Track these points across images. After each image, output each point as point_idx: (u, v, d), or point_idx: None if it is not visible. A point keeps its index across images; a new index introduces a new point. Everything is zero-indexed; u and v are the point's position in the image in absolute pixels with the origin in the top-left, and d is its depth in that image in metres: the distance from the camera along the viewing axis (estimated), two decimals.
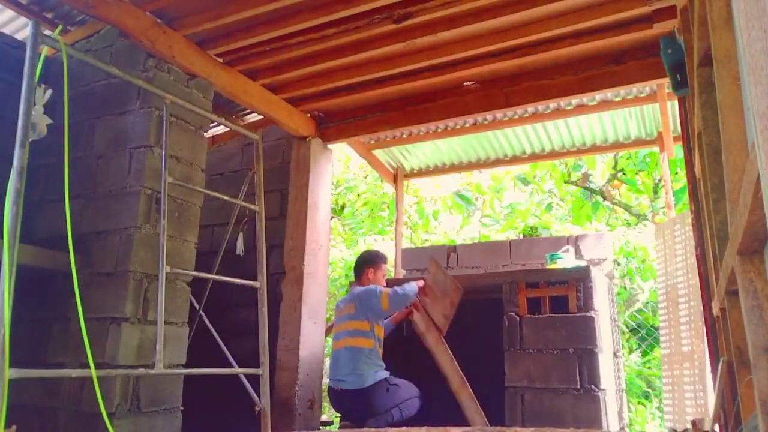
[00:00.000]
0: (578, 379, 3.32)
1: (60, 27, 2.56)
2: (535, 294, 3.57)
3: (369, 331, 3.54)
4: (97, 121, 3.08)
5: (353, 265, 3.98)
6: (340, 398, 3.51)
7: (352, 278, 3.97)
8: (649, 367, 7.13)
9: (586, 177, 8.43)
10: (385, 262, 3.93)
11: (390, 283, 3.92)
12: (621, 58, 3.39)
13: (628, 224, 8.56)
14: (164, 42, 3.05)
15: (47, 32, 2.48)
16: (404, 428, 3.13)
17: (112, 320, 2.69)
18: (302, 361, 3.75)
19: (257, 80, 3.68)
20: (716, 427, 2.00)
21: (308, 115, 4.17)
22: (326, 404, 7.69)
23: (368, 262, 3.83)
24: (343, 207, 9.60)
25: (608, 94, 4.03)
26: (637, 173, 7.93)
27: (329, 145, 4.30)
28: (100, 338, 2.65)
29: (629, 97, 4.14)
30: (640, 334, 7.20)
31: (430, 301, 3.73)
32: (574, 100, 4.16)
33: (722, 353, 1.81)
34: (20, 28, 3.43)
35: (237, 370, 2.94)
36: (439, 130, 4.79)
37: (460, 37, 3.24)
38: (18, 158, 1.93)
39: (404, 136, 4.94)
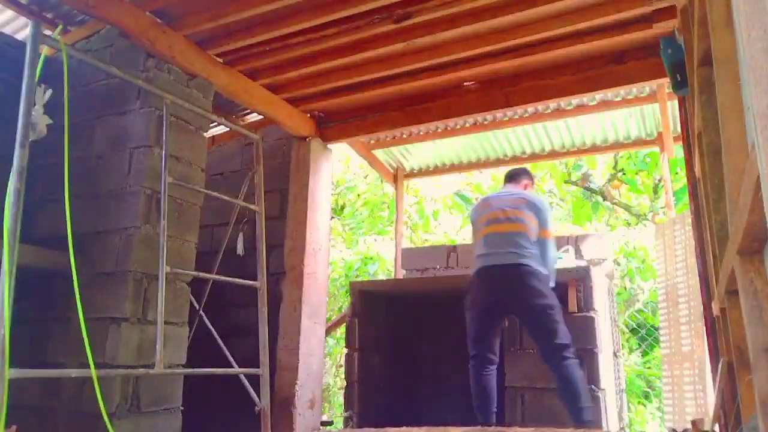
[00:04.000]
0: None
1: (60, 27, 2.55)
2: None
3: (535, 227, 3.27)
4: (97, 121, 3.08)
5: (506, 174, 3.72)
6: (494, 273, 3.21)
7: (353, 278, 3.95)
8: (649, 367, 7.13)
9: (586, 177, 8.43)
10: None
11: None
12: (621, 58, 3.39)
13: (628, 224, 8.56)
14: (164, 42, 3.05)
15: (47, 32, 2.49)
16: (404, 428, 3.13)
17: (112, 320, 2.69)
18: (302, 361, 3.75)
19: (257, 80, 3.68)
20: (716, 427, 2.00)
21: (308, 115, 4.18)
22: (326, 404, 7.71)
23: (529, 176, 3.66)
24: (343, 207, 9.60)
25: (608, 94, 4.03)
26: (637, 173, 7.93)
27: (329, 145, 4.30)
28: (100, 338, 2.65)
29: (629, 97, 4.14)
30: (640, 334, 7.20)
31: None
32: (574, 100, 4.16)
33: (722, 353, 1.81)
34: (20, 28, 3.43)
35: (237, 370, 2.94)
36: (439, 130, 4.79)
37: (460, 37, 3.24)
38: (18, 158, 1.92)
39: (404, 136, 4.93)
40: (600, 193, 8.48)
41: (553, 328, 3.02)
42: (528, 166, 4.89)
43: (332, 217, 8.62)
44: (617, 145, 4.98)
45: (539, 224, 3.27)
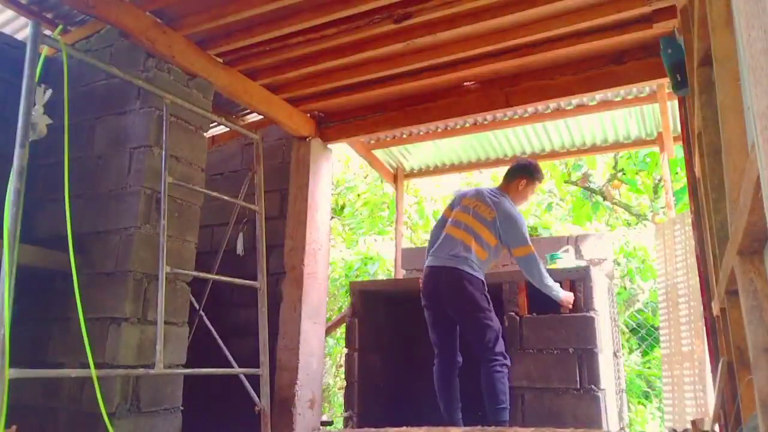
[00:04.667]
0: (578, 379, 3.32)
1: (60, 27, 2.56)
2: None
3: (492, 247, 3.32)
4: (97, 121, 3.08)
5: (507, 170, 3.62)
6: (436, 274, 3.31)
7: (353, 278, 3.95)
8: (649, 367, 7.13)
9: (586, 177, 8.43)
10: (541, 182, 3.67)
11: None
12: (621, 58, 3.39)
13: (628, 224, 8.56)
14: (164, 42, 3.05)
15: (47, 32, 2.49)
16: (404, 428, 3.13)
17: (112, 320, 2.69)
18: (302, 361, 3.75)
19: (257, 80, 3.68)
20: (716, 427, 2.00)
21: (308, 115, 4.18)
22: (326, 404, 7.70)
23: (526, 171, 3.52)
24: (343, 207, 9.60)
25: (608, 94, 4.03)
26: (637, 173, 7.93)
27: (329, 145, 4.30)
28: (100, 338, 2.65)
29: (629, 97, 4.14)
30: (640, 334, 7.20)
31: None
32: (574, 100, 4.16)
33: (722, 353, 1.81)
34: (20, 28, 3.43)
35: (237, 370, 2.94)
36: (439, 130, 4.79)
37: (460, 37, 3.24)
38: (18, 158, 1.93)
39: (404, 136, 4.93)
40: (600, 193, 8.48)
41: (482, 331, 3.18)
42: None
43: (332, 217, 8.62)
44: (617, 145, 4.98)
45: (503, 242, 3.31)
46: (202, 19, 3.05)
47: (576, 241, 4.40)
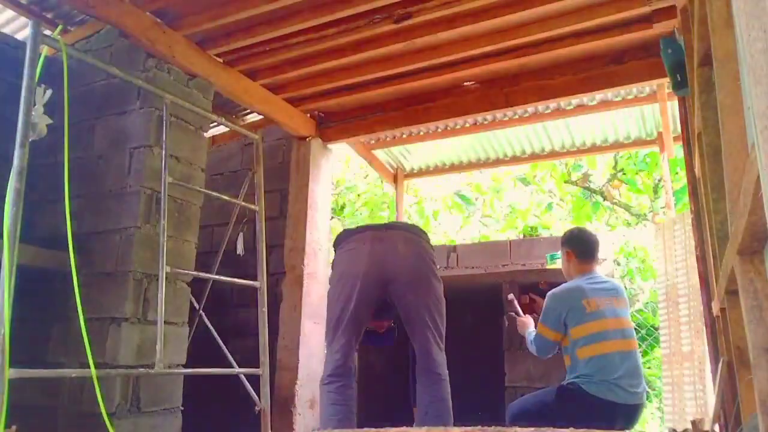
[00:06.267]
0: None
1: (60, 27, 2.56)
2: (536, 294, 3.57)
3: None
4: (97, 121, 3.08)
5: (589, 243, 3.01)
6: (625, 411, 2.65)
7: None
8: (649, 367, 7.13)
9: (586, 177, 8.43)
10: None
11: None
12: (621, 58, 3.39)
13: (628, 224, 8.56)
14: (164, 42, 3.05)
15: (47, 32, 2.49)
16: (404, 428, 3.13)
17: (112, 320, 2.69)
18: (302, 361, 3.75)
19: (257, 80, 3.68)
20: (716, 427, 2.00)
21: (308, 115, 4.18)
22: None
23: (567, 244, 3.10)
24: (343, 207, 9.60)
25: (608, 94, 4.02)
26: (637, 173, 7.93)
27: (329, 145, 4.30)
28: (100, 338, 2.65)
29: (629, 97, 4.14)
30: (640, 334, 7.20)
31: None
32: (574, 100, 4.15)
33: (722, 353, 1.81)
34: (20, 28, 3.43)
35: (237, 370, 2.94)
36: (439, 130, 4.79)
37: (460, 37, 3.24)
38: (18, 158, 1.92)
39: (404, 136, 4.93)
40: (600, 193, 8.49)
41: None
42: (528, 165, 4.88)
43: (332, 217, 8.61)
44: (617, 145, 4.98)
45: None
46: (202, 19, 3.05)
47: None
